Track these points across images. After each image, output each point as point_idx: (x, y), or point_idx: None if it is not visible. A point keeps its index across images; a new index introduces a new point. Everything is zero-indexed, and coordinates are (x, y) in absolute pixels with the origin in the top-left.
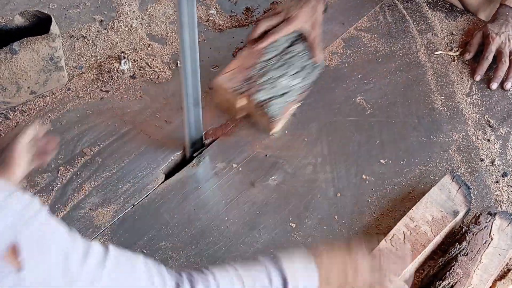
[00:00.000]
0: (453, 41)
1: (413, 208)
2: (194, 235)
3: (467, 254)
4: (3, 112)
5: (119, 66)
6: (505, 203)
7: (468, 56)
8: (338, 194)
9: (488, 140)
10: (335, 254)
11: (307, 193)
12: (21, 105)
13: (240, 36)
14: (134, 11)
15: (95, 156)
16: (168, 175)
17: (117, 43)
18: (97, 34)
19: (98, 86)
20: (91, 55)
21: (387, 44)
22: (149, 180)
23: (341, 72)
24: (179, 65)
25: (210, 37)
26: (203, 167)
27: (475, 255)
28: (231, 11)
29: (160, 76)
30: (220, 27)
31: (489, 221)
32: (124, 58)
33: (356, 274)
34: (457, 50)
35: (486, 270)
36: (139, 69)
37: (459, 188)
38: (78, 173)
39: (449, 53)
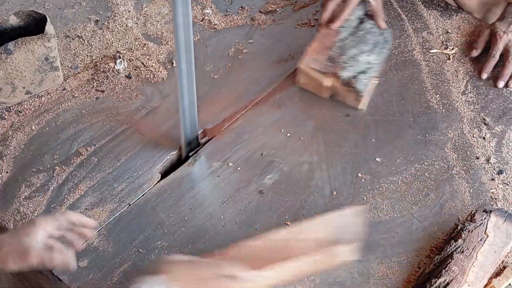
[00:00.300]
0: (448, 40)
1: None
2: (190, 234)
3: (462, 252)
4: None
5: (114, 66)
6: (501, 201)
7: (475, 53)
8: (334, 192)
9: (484, 138)
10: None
11: (303, 192)
12: (17, 105)
13: (235, 35)
14: (129, 11)
15: (90, 155)
16: (164, 174)
17: (112, 43)
18: (92, 34)
19: (93, 86)
20: (87, 55)
21: None
22: (145, 180)
23: None
24: (174, 64)
25: (206, 37)
26: (199, 166)
27: (471, 253)
28: (226, 11)
29: (155, 76)
30: (216, 26)
31: (485, 218)
32: (120, 57)
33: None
34: (452, 49)
35: (482, 267)
36: (135, 69)
37: None
38: (74, 172)
39: (444, 52)
